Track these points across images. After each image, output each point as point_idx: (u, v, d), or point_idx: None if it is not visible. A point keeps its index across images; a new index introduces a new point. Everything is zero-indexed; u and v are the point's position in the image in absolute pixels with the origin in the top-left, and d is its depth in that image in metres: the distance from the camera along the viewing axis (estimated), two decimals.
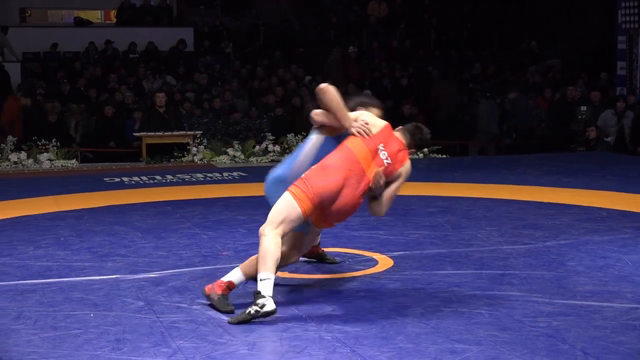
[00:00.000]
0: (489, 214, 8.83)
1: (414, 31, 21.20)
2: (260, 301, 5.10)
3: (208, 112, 16.10)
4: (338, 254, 7.00)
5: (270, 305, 5.09)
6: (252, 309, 5.10)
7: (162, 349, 4.73)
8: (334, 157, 5.52)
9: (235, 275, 5.50)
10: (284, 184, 5.64)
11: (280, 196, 5.49)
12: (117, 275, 6.37)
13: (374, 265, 6.63)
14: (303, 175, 5.49)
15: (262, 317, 5.11)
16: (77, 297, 5.80)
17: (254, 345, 4.78)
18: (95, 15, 24.27)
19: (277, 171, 5.89)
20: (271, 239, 5.27)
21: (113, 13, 22.84)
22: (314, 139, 5.84)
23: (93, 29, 21.42)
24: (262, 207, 9.23)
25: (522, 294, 5.73)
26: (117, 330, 5.07)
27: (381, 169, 5.57)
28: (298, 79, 18.31)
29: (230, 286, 5.49)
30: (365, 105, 6.05)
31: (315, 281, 6.17)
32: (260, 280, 5.18)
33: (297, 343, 4.81)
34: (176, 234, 7.92)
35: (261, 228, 5.37)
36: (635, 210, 8.92)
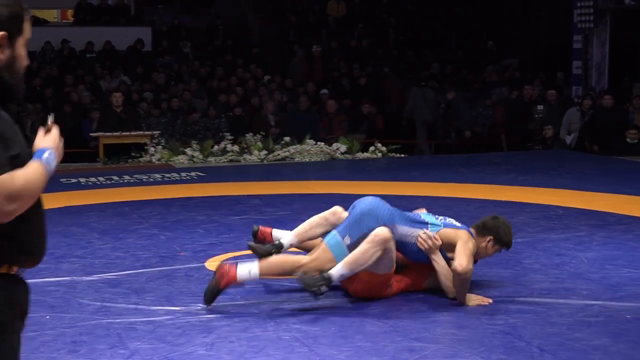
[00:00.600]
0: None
1: (372, 31, 21.25)
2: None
3: (166, 112, 16.01)
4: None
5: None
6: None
7: (119, 350, 4.70)
8: None
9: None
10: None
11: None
12: (74, 277, 6.32)
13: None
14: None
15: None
16: (33, 299, 5.66)
17: (212, 346, 4.77)
18: (51, 15, 24.05)
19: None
20: None
21: (70, 12, 22.64)
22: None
23: (49, 28, 21.20)
24: (220, 207, 9.25)
25: (479, 292, 5.76)
26: (73, 332, 5.03)
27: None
28: (257, 78, 18.27)
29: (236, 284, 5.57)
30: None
31: (274, 281, 6.15)
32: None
33: (255, 343, 4.80)
34: (134, 235, 7.87)
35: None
36: (591, 208, 9.01)
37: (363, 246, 5.38)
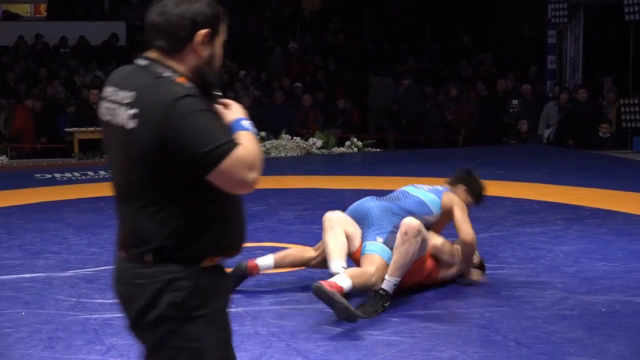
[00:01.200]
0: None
1: (347, 25, 21.25)
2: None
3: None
4: (274, 249, 6.98)
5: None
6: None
7: (95, 346, 4.68)
8: None
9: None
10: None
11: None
12: (49, 273, 6.29)
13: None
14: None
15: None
16: (8, 296, 5.71)
17: None
18: (24, 9, 23.88)
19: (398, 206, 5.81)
20: None
21: (43, 7, 22.49)
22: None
23: (22, 22, 21.04)
24: None
25: (456, 285, 5.79)
26: (49, 328, 5.00)
27: None
28: (232, 73, 18.22)
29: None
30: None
31: (251, 276, 6.14)
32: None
33: (233, 338, 4.78)
34: (110, 230, 7.82)
35: None
36: (566, 202, 9.07)
37: (400, 249, 5.31)
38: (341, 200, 9.19)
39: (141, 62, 2.67)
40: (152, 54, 2.67)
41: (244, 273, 5.94)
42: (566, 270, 6.27)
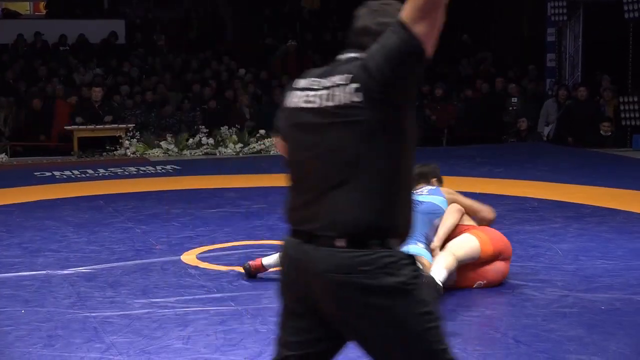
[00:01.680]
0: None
1: (347, 24, 21.22)
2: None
3: (140, 105, 15.94)
4: (273, 247, 6.98)
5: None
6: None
7: (95, 344, 4.68)
8: None
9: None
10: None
11: None
12: (49, 271, 6.28)
13: None
14: None
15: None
16: (8, 294, 5.71)
17: (188, 339, 4.75)
18: (24, 7, 23.86)
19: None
20: None
21: (42, 5, 22.47)
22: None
23: (22, 20, 21.03)
24: (196, 200, 9.22)
25: (453, 283, 5.78)
26: (49, 326, 5.00)
27: None
28: (231, 71, 18.21)
29: None
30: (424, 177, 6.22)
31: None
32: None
33: (232, 336, 4.80)
34: (109, 228, 7.84)
35: None
36: (565, 200, 9.07)
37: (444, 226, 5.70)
38: None
39: (347, 55, 2.83)
40: (356, 52, 2.80)
41: (249, 273, 5.98)
42: (566, 268, 6.27)
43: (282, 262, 2.84)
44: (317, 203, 2.71)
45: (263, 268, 6.02)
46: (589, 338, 4.78)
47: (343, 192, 2.66)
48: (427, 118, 16.17)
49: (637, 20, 14.92)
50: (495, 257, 5.69)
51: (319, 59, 18.98)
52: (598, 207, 8.65)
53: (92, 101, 14.31)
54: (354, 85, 2.65)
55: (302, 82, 2.84)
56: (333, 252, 2.65)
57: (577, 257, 6.59)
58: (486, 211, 6.06)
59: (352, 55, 2.80)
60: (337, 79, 2.71)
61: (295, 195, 2.80)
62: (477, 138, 15.72)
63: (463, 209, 5.95)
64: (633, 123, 14.89)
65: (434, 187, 6.08)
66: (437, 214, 5.79)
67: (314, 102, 2.75)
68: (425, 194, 5.95)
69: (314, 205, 2.72)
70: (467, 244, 5.62)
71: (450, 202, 5.95)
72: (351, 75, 2.67)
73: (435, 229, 5.78)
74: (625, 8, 14.87)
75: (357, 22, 2.91)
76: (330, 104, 2.70)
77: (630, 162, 12.73)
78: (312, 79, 2.81)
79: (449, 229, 5.78)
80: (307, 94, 2.78)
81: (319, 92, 2.74)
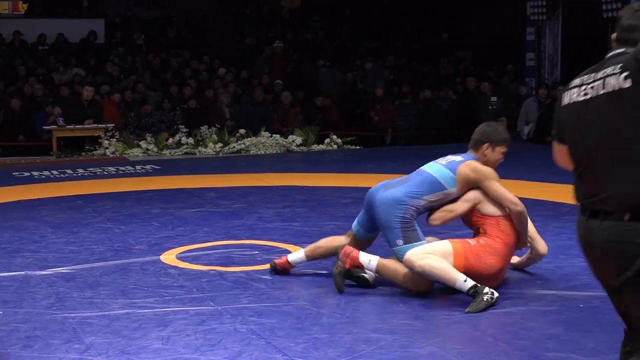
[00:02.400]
0: None
1: (327, 23, 21.24)
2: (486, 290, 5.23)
3: (120, 104, 15.88)
4: (253, 247, 6.99)
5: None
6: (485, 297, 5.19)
7: (74, 345, 4.66)
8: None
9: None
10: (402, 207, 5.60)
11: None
12: (27, 271, 6.25)
13: None
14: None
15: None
16: None
17: (168, 339, 4.74)
18: (3, 6, 23.70)
19: (397, 193, 5.70)
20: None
21: (21, 4, 22.33)
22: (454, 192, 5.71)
23: (0, 20, 20.91)
24: (175, 200, 9.20)
25: (438, 283, 5.79)
26: (27, 327, 4.98)
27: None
28: (211, 70, 18.18)
29: (359, 266, 5.61)
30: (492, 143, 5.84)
31: (230, 273, 6.15)
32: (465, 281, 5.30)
33: (212, 336, 4.79)
34: (88, 229, 7.81)
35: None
36: (545, 198, 9.11)
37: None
38: (321, 198, 9.23)
39: (616, 51, 3.18)
40: (625, 47, 3.16)
41: (276, 272, 6.04)
42: (545, 266, 6.29)
43: (579, 243, 3.25)
44: (600, 181, 3.08)
45: (289, 265, 6.05)
46: (568, 336, 4.81)
47: (623, 169, 2.98)
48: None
49: (615, 19, 14.97)
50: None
51: (302, 58, 19.03)
52: (577, 205, 8.66)
53: (84, 100, 14.26)
54: (625, 74, 2.98)
55: (576, 81, 3.23)
56: (616, 225, 2.98)
57: (556, 255, 6.61)
58: (509, 202, 5.64)
59: (622, 50, 3.16)
60: (609, 70, 3.06)
61: (582, 178, 3.22)
62: (457, 137, 15.75)
63: (477, 201, 5.65)
64: None
65: (457, 157, 5.78)
66: (421, 193, 5.62)
67: (589, 93, 3.12)
68: (437, 165, 5.77)
69: (597, 183, 3.09)
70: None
71: (462, 180, 5.65)
72: (622, 65, 3.01)
73: (428, 203, 5.64)
74: (604, 7, 14.96)
75: (623, 21, 3.28)
76: (603, 91, 3.05)
77: None
78: (586, 75, 3.19)
79: (451, 218, 5.64)
80: (583, 88, 3.16)
81: (593, 84, 3.11)
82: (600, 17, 15.12)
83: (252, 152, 13.96)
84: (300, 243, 7.04)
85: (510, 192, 5.68)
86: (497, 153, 5.82)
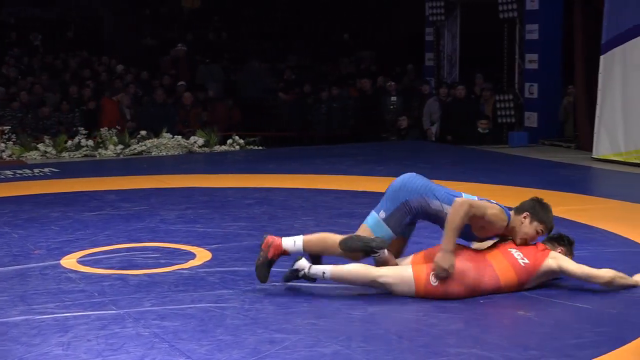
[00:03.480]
0: (305, 204, 8.94)
1: (228, 23, 21.18)
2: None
3: (16, 106, 15.53)
4: (155, 249, 6.92)
5: None
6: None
7: None
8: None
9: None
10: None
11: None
12: None
13: (192, 259, 6.59)
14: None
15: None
16: None
17: (68, 345, 4.66)
18: None
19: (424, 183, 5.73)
20: None
21: None
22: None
23: None
24: (75, 203, 9.04)
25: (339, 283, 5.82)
26: None
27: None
28: (110, 71, 17.94)
29: (283, 253, 5.59)
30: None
31: (132, 277, 6.07)
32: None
33: (114, 341, 4.72)
34: None
35: None
36: None
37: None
38: (223, 199, 9.20)
39: None
40: None
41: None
42: None
43: None
44: None
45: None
46: (468, 331, 4.89)
47: None
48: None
49: (511, 20, 15.33)
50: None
51: (202, 59, 18.92)
52: None
53: None
54: None
55: None
56: None
57: None
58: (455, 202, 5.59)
59: None
60: None
61: None
62: (355, 136, 15.91)
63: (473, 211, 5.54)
64: (508, 121, 15.33)
65: (493, 201, 5.75)
66: (440, 199, 5.62)
67: None
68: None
69: None
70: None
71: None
72: None
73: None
74: (500, 8, 15.28)
75: None
76: None
77: (506, 158, 13.09)
78: None
79: (458, 231, 5.50)
80: None
81: None
82: (496, 17, 15.44)
83: (153, 153, 13.82)
84: (204, 245, 7.01)
85: (477, 209, 5.56)
86: (532, 228, 5.69)
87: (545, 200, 5.87)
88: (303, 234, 5.75)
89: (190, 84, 16.98)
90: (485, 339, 4.76)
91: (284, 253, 5.65)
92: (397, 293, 5.43)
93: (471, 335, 4.82)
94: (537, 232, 5.71)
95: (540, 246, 5.71)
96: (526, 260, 5.57)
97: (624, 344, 4.65)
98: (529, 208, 5.75)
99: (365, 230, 5.64)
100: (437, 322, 5.03)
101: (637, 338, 4.75)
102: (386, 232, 5.60)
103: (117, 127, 14.29)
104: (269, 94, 17.28)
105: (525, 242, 5.69)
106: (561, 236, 5.87)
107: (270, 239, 5.65)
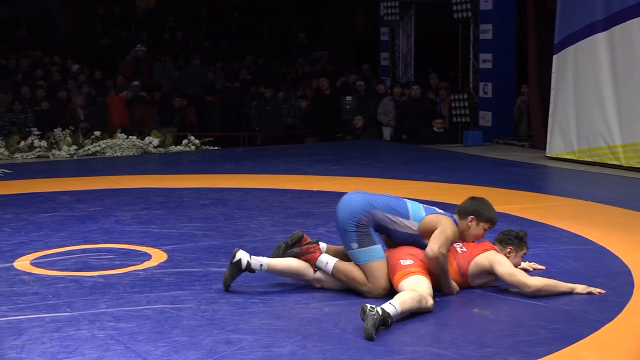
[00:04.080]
0: (261, 204, 8.93)
1: (184, 23, 21.09)
2: None
3: None
4: (110, 250, 6.87)
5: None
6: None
7: None
8: None
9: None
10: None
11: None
12: None
13: (147, 260, 6.55)
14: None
15: None
16: None
17: (22, 348, 4.61)
18: None
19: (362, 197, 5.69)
20: None
21: None
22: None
23: None
24: (28, 204, 8.94)
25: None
26: None
27: None
28: (64, 71, 17.76)
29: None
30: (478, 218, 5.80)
31: (87, 278, 6.02)
32: None
33: (68, 343, 4.68)
34: None
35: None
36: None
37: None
38: (179, 200, 9.15)
39: None
40: None
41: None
42: None
43: None
44: None
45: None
46: (425, 329, 4.92)
47: None
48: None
49: (465, 20, 15.43)
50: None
51: (158, 58, 18.78)
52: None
53: None
54: None
55: None
56: None
57: None
58: (428, 249, 5.48)
59: None
60: None
61: None
62: (316, 136, 15.95)
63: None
64: (463, 120, 15.44)
65: (440, 211, 5.71)
66: (386, 212, 5.60)
67: None
68: (417, 203, 5.78)
69: None
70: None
71: (427, 230, 5.57)
72: None
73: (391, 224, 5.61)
74: (454, 8, 15.37)
75: None
76: None
77: (461, 157, 13.17)
78: None
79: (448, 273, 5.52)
80: None
81: None
82: (451, 17, 15.54)
83: (108, 154, 13.72)
84: (159, 245, 6.97)
85: (444, 243, 5.47)
86: (479, 229, 5.79)
87: (482, 196, 5.96)
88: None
89: (149, 84, 16.89)
90: (441, 337, 4.79)
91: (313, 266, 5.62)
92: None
93: (427, 333, 4.85)
94: (485, 230, 5.81)
95: (487, 245, 5.77)
96: (464, 249, 5.71)
97: (579, 340, 4.70)
98: (472, 211, 5.80)
99: (363, 268, 5.53)
100: (394, 320, 5.05)
101: (591, 334, 4.81)
102: (372, 252, 5.52)
103: (70, 127, 14.16)
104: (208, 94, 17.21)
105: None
106: (509, 235, 5.88)
107: (313, 248, 5.64)
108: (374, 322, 4.74)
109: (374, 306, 4.83)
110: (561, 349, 4.57)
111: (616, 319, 5.09)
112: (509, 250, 5.78)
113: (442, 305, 5.37)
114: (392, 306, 4.94)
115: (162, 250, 6.84)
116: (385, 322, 4.83)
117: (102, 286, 5.83)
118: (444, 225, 5.53)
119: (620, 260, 6.51)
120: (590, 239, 7.23)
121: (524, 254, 5.90)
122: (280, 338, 4.73)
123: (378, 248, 5.54)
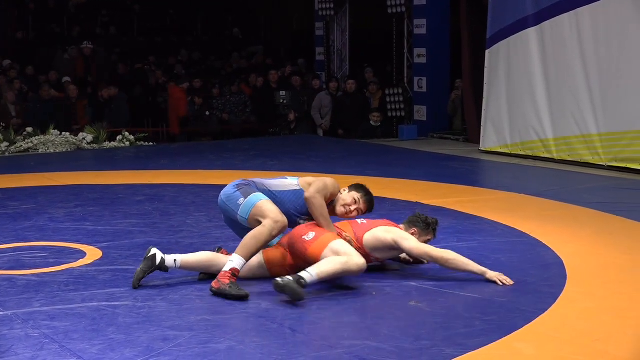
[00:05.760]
0: (197, 199, 8.89)
1: (117, 17, 20.86)
2: None
3: None
4: (44, 248, 6.77)
5: None
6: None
7: None
8: None
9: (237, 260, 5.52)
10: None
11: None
12: None
13: (82, 257, 6.47)
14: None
15: None
16: None
17: None
18: None
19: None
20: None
21: None
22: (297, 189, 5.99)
23: None
24: None
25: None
26: None
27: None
28: None
29: (234, 273, 5.48)
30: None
31: (20, 277, 5.93)
32: None
33: (1, 343, 4.60)
34: None
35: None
36: None
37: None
38: (113, 196, 9.06)
39: None
40: None
41: None
42: None
43: None
44: None
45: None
46: (363, 323, 4.94)
47: None
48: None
49: (399, 15, 15.53)
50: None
51: (89, 53, 18.54)
52: None
53: None
54: None
55: None
56: None
57: None
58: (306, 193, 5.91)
59: None
60: None
61: None
62: (254, 131, 15.94)
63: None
64: (398, 114, 15.54)
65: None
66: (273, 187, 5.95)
67: None
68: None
69: None
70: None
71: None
72: None
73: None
74: (389, 3, 15.46)
75: None
76: None
77: (396, 151, 13.26)
78: None
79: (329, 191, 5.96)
80: None
81: None
82: (385, 12, 15.62)
83: (40, 150, 13.52)
84: (94, 243, 6.89)
85: (321, 191, 5.88)
86: (349, 196, 6.12)
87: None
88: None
89: (84, 80, 16.71)
90: (379, 330, 4.81)
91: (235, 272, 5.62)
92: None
93: (364, 327, 4.87)
94: (354, 200, 6.10)
95: (389, 222, 6.03)
96: (364, 221, 6.01)
97: (514, 331, 4.77)
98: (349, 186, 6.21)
99: (254, 212, 5.71)
100: (331, 314, 5.07)
101: (526, 325, 4.87)
102: (256, 197, 5.76)
103: (1, 124, 13.93)
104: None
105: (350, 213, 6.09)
106: (419, 217, 6.12)
107: (216, 285, 5.56)
108: (293, 283, 5.15)
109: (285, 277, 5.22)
110: (496, 340, 4.62)
111: (550, 309, 5.17)
112: (412, 231, 6.01)
113: (379, 298, 5.40)
114: (307, 272, 5.30)
115: (96, 247, 6.77)
116: (300, 283, 5.19)
117: (36, 284, 5.75)
118: (323, 178, 6.00)
119: (553, 252, 6.62)
120: (524, 231, 7.33)
121: (429, 240, 6.07)
122: (217, 334, 4.72)
123: (260, 194, 5.78)
